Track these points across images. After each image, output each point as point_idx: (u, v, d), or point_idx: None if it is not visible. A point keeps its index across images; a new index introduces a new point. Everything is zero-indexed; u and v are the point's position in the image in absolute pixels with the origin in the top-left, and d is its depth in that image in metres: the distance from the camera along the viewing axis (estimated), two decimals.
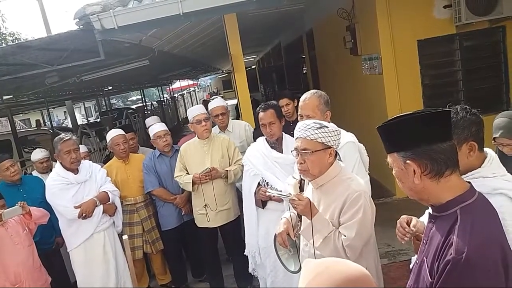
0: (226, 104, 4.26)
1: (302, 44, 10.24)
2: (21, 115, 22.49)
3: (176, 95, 26.81)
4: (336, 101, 6.23)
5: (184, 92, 30.19)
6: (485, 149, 1.72)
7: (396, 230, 1.79)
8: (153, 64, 6.83)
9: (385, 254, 3.99)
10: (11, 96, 9.82)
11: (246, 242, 3.31)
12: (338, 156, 2.12)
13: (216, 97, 6.35)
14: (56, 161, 3.69)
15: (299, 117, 2.69)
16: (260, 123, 3.12)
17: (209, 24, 6.05)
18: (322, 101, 2.60)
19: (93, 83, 10.51)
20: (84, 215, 3.41)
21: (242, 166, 3.38)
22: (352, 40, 5.95)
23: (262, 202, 3.11)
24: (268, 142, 3.13)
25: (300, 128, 2.04)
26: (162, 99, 22.68)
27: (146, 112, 16.03)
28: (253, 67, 25.18)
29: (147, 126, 5.28)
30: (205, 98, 28.05)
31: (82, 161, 3.63)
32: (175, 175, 3.70)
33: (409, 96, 5.27)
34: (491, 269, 1.15)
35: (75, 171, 3.53)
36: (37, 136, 10.45)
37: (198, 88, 39.03)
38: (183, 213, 3.93)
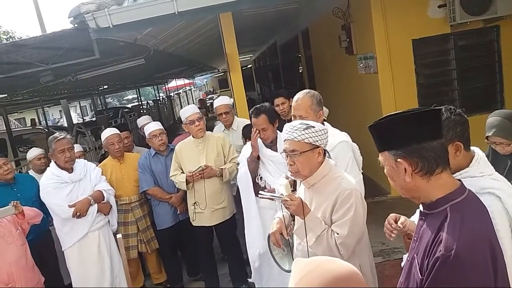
0: (232, 102, 4.19)
1: (298, 43, 10.24)
2: (16, 114, 22.40)
3: (172, 94, 26.77)
4: (332, 100, 6.26)
5: (180, 91, 30.14)
6: (473, 148, 1.73)
7: (384, 227, 1.80)
8: (148, 63, 6.80)
9: (380, 252, 4.00)
10: (6, 95, 9.75)
11: (247, 247, 3.27)
12: (327, 154, 2.13)
13: (219, 95, 6.31)
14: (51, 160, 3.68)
15: (292, 117, 2.70)
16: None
17: (204, 23, 6.04)
18: (315, 101, 2.59)
19: (89, 82, 10.44)
20: (78, 214, 3.39)
21: (238, 164, 3.38)
22: (348, 40, 5.96)
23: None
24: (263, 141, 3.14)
25: (287, 130, 2.04)
26: (158, 98, 22.64)
27: (141, 111, 16.02)
28: (249, 66, 25.15)
29: (139, 126, 5.26)
30: (201, 97, 28.05)
31: (76, 160, 3.62)
32: (170, 174, 3.69)
33: (404, 95, 5.30)
34: (480, 265, 1.16)
35: (70, 170, 3.52)
36: (32, 135, 10.44)
37: (194, 87, 38.95)
38: (178, 212, 3.92)
